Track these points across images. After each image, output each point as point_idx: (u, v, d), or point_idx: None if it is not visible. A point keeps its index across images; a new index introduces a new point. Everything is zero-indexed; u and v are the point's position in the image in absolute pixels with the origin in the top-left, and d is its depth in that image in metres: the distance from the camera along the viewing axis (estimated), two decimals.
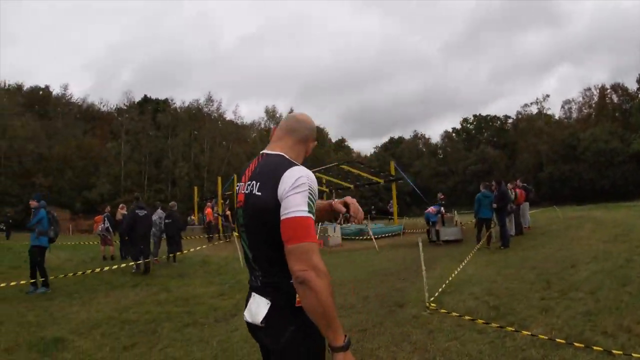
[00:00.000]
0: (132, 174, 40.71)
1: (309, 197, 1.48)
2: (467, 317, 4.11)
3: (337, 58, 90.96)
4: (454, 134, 62.84)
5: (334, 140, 63.48)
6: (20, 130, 35.76)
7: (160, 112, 45.04)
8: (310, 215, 1.46)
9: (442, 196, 19.33)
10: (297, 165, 1.58)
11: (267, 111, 55.21)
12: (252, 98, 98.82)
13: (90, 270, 8.86)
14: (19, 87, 42.01)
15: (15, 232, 22.84)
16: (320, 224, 15.00)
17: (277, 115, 54.39)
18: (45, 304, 6.83)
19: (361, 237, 14.62)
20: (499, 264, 7.69)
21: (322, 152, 53.01)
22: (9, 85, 41.32)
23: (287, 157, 1.66)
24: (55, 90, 43.37)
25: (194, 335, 4.90)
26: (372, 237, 12.79)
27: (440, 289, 5.47)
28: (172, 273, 9.50)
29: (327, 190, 23.20)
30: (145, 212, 10.23)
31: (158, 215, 11.81)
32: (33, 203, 7.90)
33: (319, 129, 57.47)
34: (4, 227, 25.09)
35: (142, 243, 9.83)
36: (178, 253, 11.30)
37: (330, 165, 22.61)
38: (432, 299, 4.97)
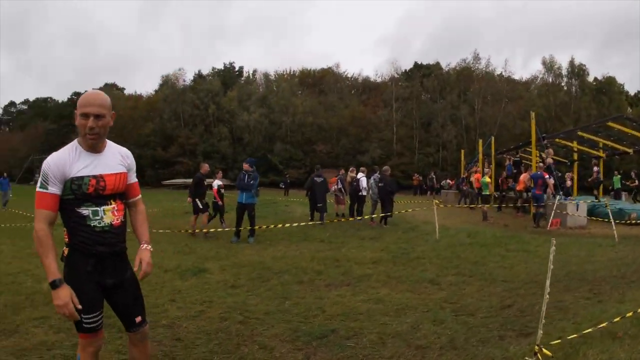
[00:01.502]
0: (403, 139, 43.63)
1: (41, 177, 2.13)
2: None
3: None
4: None
5: (632, 93, 48.63)
6: (300, 106, 44.72)
7: (426, 77, 46.12)
8: (39, 189, 2.13)
9: None
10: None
11: (544, 62, 47.18)
12: (540, 51, 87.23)
13: (288, 224, 10.41)
14: (302, 71, 52.38)
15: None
16: (557, 198, 12.17)
17: (556, 67, 45.90)
18: (236, 247, 8.51)
19: (626, 221, 10.89)
20: None
21: (611, 107, 41.88)
22: (293, 71, 52.35)
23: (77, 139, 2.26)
24: (333, 69, 50.93)
25: (287, 292, 5.05)
26: (612, 221, 9.24)
27: (602, 325, 3.20)
28: (367, 234, 9.92)
29: (603, 155, 18.51)
30: (322, 179, 13.06)
31: (373, 179, 12.75)
32: (247, 167, 9.39)
33: (610, 79, 45.17)
34: (284, 186, 32.22)
35: (320, 202, 12.61)
36: (389, 216, 11.76)
37: (588, 125, 17.78)
38: (557, 340, 2.93)
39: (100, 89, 59.43)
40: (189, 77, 52.23)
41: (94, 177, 2.15)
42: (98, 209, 2.16)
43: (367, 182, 13.17)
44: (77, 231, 2.15)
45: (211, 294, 4.98)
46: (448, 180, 29.40)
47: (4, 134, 72.54)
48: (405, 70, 48.75)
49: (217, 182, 11.10)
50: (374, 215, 12.09)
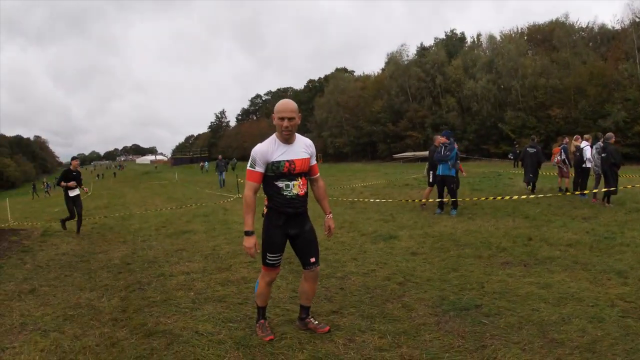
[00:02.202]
0: None
1: (251, 159, 3.00)
2: None
3: None
4: None
5: None
6: (530, 67, 38.74)
7: None
8: (250, 168, 3.02)
9: None
10: (263, 141, 3.06)
11: None
12: None
13: (496, 198, 10.06)
14: (529, 28, 44.78)
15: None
16: None
17: None
18: (438, 218, 8.81)
19: None
20: None
21: None
22: (520, 29, 45.19)
23: (275, 133, 3.09)
24: (564, 19, 41.91)
25: (459, 264, 5.27)
26: None
27: None
28: (581, 213, 8.63)
29: None
30: (535, 149, 12.57)
31: (595, 148, 10.88)
32: (444, 139, 9.39)
33: None
34: (512, 157, 29.60)
35: (531, 173, 12.38)
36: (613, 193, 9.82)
37: None
38: None
39: (332, 74, 65.64)
40: (412, 51, 52.59)
41: (288, 161, 3.00)
42: (289, 183, 3.04)
43: (591, 151, 11.14)
44: (274, 197, 3.07)
45: (389, 257, 5.66)
46: None
47: (253, 122, 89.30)
48: None
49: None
50: (595, 191, 10.27)
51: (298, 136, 3.11)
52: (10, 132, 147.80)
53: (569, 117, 36.65)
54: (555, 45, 40.85)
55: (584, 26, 42.57)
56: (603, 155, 10.12)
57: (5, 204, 16.24)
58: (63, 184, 9.12)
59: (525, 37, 44.06)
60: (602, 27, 41.57)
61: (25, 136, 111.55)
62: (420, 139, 43.89)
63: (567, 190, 11.93)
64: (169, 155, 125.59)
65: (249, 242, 3.02)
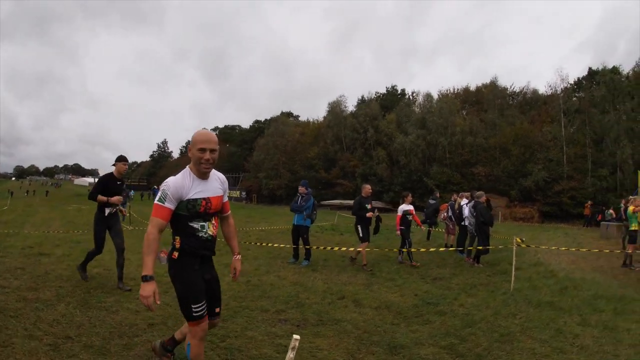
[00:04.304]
0: (573, 159, 36.39)
1: (161, 193, 2.66)
2: None
3: None
4: None
5: None
6: (459, 126, 41.65)
7: (596, 85, 38.07)
8: (159, 203, 2.66)
9: None
10: (176, 174, 2.77)
11: None
12: None
13: (369, 249, 9.80)
14: (465, 89, 49.01)
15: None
16: None
17: None
18: (283, 267, 8.49)
19: None
20: None
21: None
22: (457, 89, 49.40)
23: (188, 166, 2.82)
24: (494, 82, 45.32)
25: (234, 315, 4.93)
26: None
27: None
28: (438, 273, 8.40)
29: None
30: (435, 201, 13.79)
31: (469, 207, 11.01)
32: (302, 190, 9.17)
33: None
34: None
35: (429, 219, 13.69)
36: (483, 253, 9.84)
37: None
38: None
39: (275, 117, 66.94)
40: (352, 102, 54.86)
41: (204, 199, 2.76)
42: (205, 223, 2.80)
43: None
44: (188, 239, 2.76)
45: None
46: (610, 211, 24.06)
47: None
48: (578, 78, 42.01)
49: (402, 208, 9.91)
50: (471, 248, 10.34)
51: (212, 170, 2.87)
52: None
53: (492, 175, 39.11)
54: (485, 107, 44.08)
55: (517, 90, 46.71)
56: (474, 213, 10.30)
57: None
58: (102, 198, 5.74)
59: (460, 97, 47.34)
60: (535, 92, 45.72)
61: None
62: (350, 188, 44.74)
63: (452, 246, 12.07)
64: None
65: (148, 289, 2.55)
